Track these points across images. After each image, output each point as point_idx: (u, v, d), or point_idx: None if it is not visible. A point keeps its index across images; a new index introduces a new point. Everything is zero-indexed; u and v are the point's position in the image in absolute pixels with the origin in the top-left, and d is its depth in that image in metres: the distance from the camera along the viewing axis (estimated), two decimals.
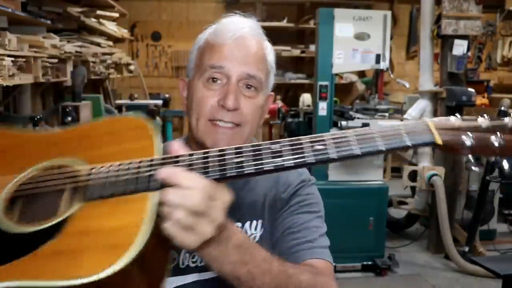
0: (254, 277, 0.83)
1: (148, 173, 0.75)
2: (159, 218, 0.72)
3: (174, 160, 0.77)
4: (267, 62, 1.09)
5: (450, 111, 3.85)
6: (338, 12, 3.40)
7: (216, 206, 0.73)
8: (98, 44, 4.31)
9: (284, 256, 1.00)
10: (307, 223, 1.07)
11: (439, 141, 0.77)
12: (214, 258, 0.79)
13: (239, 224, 1.07)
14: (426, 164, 3.90)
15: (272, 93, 1.16)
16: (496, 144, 0.76)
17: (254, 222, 1.09)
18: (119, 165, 0.78)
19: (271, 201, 1.10)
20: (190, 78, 1.10)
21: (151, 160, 0.77)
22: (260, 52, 1.08)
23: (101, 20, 4.45)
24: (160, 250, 0.77)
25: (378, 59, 3.45)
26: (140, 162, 0.78)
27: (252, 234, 1.08)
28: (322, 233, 1.08)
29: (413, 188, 4.22)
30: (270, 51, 1.12)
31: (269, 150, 0.78)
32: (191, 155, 0.77)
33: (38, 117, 2.68)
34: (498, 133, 0.76)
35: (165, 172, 0.73)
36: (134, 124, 0.85)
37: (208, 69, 1.03)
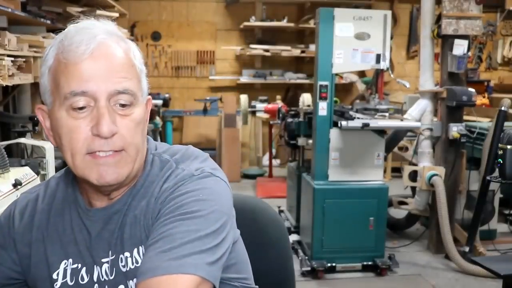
0: None
1: None
2: None
3: None
4: (135, 67, 0.94)
5: (450, 111, 3.85)
6: (338, 12, 3.40)
7: None
8: None
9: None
10: (171, 230, 0.86)
11: None
12: None
13: (128, 254, 0.95)
14: (426, 164, 3.89)
15: (149, 96, 1.00)
16: None
17: (141, 248, 0.94)
18: None
19: (145, 219, 0.94)
20: (49, 106, 0.92)
21: None
22: (125, 58, 0.91)
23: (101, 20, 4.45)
24: None
25: (378, 59, 3.44)
26: None
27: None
28: (190, 239, 0.85)
29: (413, 188, 4.22)
30: (135, 52, 0.95)
31: None
32: None
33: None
34: None
35: None
36: None
37: (69, 96, 0.87)
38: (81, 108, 0.88)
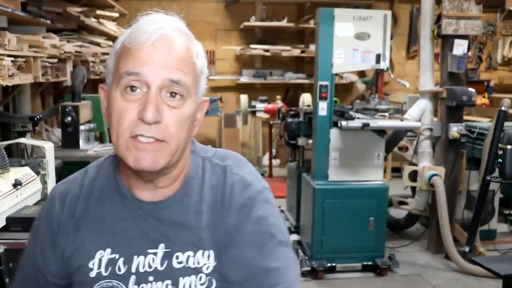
0: None
1: None
2: None
3: None
4: (195, 65, 0.96)
5: (450, 111, 3.85)
6: (338, 12, 3.40)
7: None
8: (98, 44, 4.31)
9: None
10: (266, 265, 0.97)
11: None
12: None
13: (191, 253, 0.99)
14: (426, 164, 3.89)
15: (206, 98, 1.04)
16: None
17: (207, 252, 0.99)
18: None
19: (217, 227, 1.00)
20: (108, 86, 0.97)
21: None
22: (185, 54, 0.95)
23: (101, 20, 4.45)
24: None
25: (378, 59, 3.44)
26: None
27: (205, 264, 0.99)
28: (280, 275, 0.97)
29: (413, 188, 4.22)
30: (199, 53, 0.98)
31: None
32: None
33: (38, 117, 2.67)
34: None
35: None
36: None
37: (124, 75, 0.91)
38: (133, 90, 0.91)
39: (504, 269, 2.20)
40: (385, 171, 5.76)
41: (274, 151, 6.61)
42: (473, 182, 3.98)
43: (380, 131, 3.55)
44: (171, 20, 0.98)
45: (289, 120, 4.15)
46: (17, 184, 1.88)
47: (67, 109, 3.00)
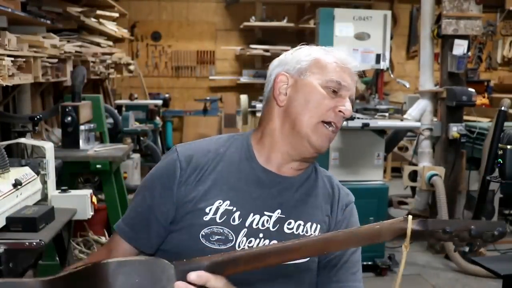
0: None
1: None
2: None
3: None
4: None
5: (450, 111, 3.85)
6: (338, 12, 3.40)
7: None
8: (98, 44, 4.31)
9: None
10: (352, 257, 1.22)
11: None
12: None
13: (301, 222, 1.17)
14: (426, 164, 3.90)
15: None
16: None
17: (314, 225, 1.18)
18: None
19: (327, 212, 1.22)
20: (300, 77, 1.18)
21: None
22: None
23: (101, 20, 4.45)
24: None
25: (378, 59, 3.44)
26: None
27: (311, 234, 1.17)
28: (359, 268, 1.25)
29: (413, 188, 4.22)
30: None
31: None
32: None
33: (38, 117, 2.67)
34: None
35: None
36: None
37: (335, 82, 1.16)
38: (334, 92, 1.16)
39: (504, 269, 2.19)
40: (385, 171, 5.76)
41: None
42: (473, 182, 3.98)
43: (380, 131, 3.55)
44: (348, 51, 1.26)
45: None
46: (17, 184, 1.88)
47: (67, 109, 3.00)
